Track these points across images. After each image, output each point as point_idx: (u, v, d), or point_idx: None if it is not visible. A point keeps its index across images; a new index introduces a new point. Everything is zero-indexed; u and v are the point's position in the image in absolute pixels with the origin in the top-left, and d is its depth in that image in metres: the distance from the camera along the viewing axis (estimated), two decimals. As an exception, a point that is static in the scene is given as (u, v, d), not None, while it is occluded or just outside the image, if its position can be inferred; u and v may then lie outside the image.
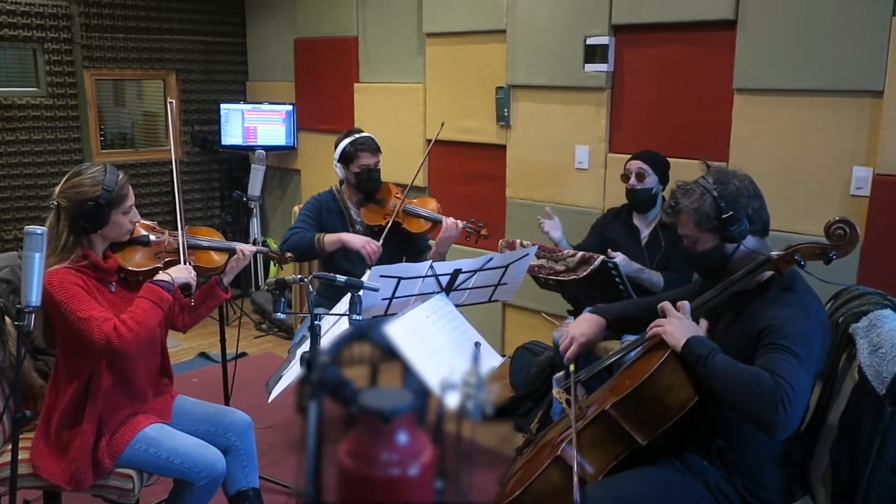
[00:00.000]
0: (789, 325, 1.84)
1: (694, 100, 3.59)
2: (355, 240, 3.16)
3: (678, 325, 1.95)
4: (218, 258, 2.65)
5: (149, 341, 2.32)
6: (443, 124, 3.72)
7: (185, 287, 2.40)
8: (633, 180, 3.28)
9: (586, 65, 3.84)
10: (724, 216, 1.94)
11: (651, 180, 3.26)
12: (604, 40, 3.77)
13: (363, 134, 3.34)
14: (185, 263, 2.45)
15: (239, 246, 2.66)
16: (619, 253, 3.14)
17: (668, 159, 3.42)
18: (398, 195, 3.37)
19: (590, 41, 3.81)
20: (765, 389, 1.75)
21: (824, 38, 3.11)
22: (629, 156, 3.39)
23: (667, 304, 2.01)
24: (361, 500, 0.80)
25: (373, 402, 0.79)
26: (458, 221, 3.23)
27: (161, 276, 2.32)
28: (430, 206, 3.36)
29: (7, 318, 2.40)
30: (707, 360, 1.85)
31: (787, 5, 3.20)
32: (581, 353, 2.30)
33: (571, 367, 2.22)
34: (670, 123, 3.68)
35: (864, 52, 3.02)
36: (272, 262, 2.91)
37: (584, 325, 2.29)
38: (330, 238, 3.18)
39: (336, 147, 3.33)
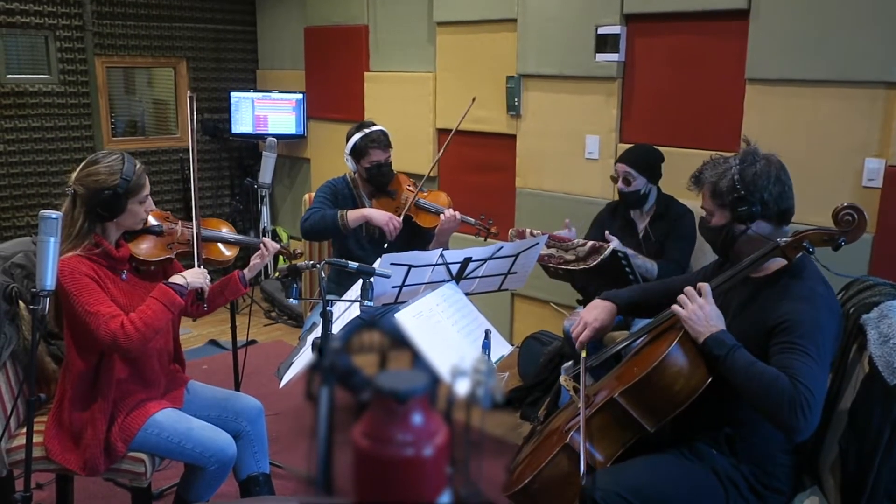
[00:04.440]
0: (803, 321, 1.83)
1: (705, 90, 3.57)
2: (379, 216, 3.19)
3: (700, 317, 1.93)
4: (228, 252, 2.67)
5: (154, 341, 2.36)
6: (474, 99, 3.71)
7: (198, 292, 2.40)
8: (620, 184, 3.29)
9: (597, 54, 3.83)
10: (735, 195, 1.95)
11: (638, 183, 3.27)
12: (615, 30, 3.76)
13: (374, 128, 3.31)
14: (199, 265, 2.45)
15: (265, 241, 2.66)
16: (613, 237, 3.15)
17: (679, 150, 3.41)
18: (410, 188, 3.37)
19: (601, 30, 3.80)
20: (784, 394, 1.75)
21: (837, 29, 3.09)
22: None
23: (689, 290, 1.99)
24: (376, 479, 0.81)
25: (389, 383, 0.80)
26: (456, 213, 3.23)
27: (176, 278, 2.32)
28: (440, 201, 3.37)
29: (21, 303, 2.43)
30: (726, 360, 1.85)
31: (800, -5, 3.18)
32: (590, 341, 2.30)
33: (583, 354, 2.21)
34: (681, 113, 3.67)
35: (878, 43, 3.00)
36: (281, 256, 2.94)
37: (596, 311, 2.28)
38: (354, 214, 3.20)
39: (347, 140, 3.33)
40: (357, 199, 3.39)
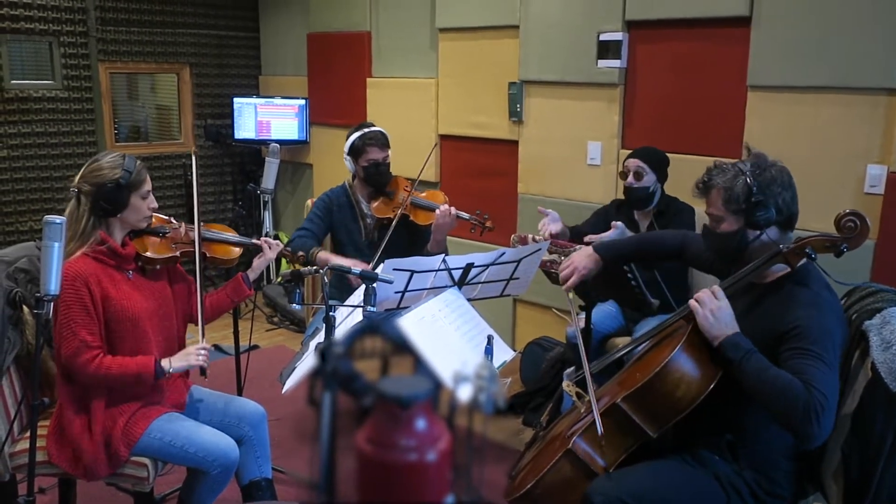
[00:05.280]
0: (813, 327, 1.84)
1: (707, 96, 3.58)
2: (342, 263, 3.12)
3: (718, 319, 1.93)
4: (234, 250, 2.69)
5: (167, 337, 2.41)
6: (436, 145, 3.71)
7: (201, 368, 2.35)
8: (630, 178, 3.29)
9: (599, 61, 3.84)
10: (753, 200, 1.94)
11: (649, 179, 3.27)
12: (617, 36, 3.76)
13: (373, 128, 3.36)
14: (202, 339, 2.39)
15: (265, 241, 2.69)
16: (619, 222, 3.15)
17: (681, 156, 3.41)
18: (407, 188, 3.39)
19: (603, 37, 3.81)
20: (798, 400, 1.76)
21: (839, 35, 3.10)
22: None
23: (706, 291, 1.97)
24: (379, 484, 0.82)
25: (392, 389, 0.81)
26: (452, 208, 3.21)
27: (164, 362, 2.29)
28: (437, 199, 3.37)
29: (25, 308, 2.43)
30: (741, 364, 1.86)
31: (801, 2, 3.19)
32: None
33: (571, 295, 2.40)
34: (683, 120, 3.67)
35: (879, 49, 3.01)
36: (284, 259, 2.95)
37: (587, 260, 2.44)
38: (321, 256, 3.18)
39: (346, 140, 3.36)
40: (355, 205, 3.41)
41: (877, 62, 3.02)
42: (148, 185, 2.36)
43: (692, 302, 1.99)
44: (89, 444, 2.25)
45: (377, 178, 3.33)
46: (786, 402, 1.77)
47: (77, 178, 2.30)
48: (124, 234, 2.37)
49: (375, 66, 5.09)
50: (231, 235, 2.74)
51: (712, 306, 1.94)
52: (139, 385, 2.28)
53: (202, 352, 2.34)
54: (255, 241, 2.73)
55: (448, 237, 3.36)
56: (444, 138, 4.71)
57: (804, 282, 1.95)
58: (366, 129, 3.33)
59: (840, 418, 2.05)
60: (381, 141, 3.32)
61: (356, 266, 3.10)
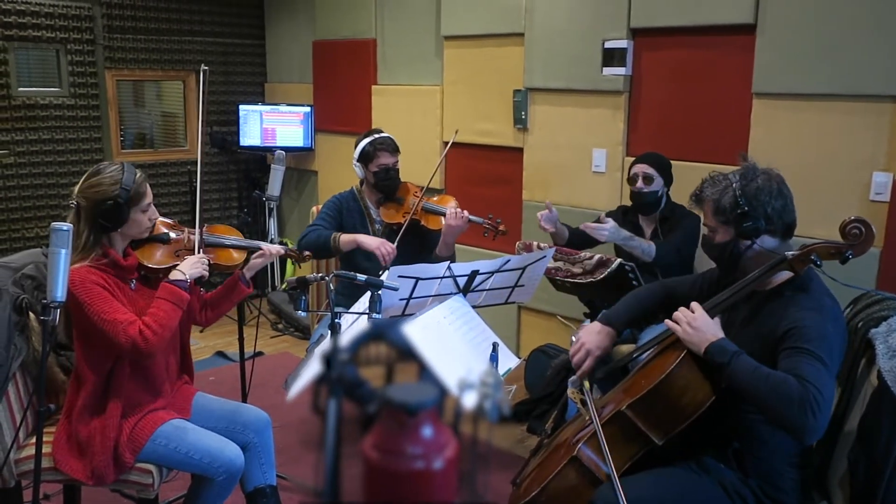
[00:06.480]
0: (811, 328, 1.84)
1: (712, 104, 3.58)
2: (370, 241, 3.19)
3: (696, 331, 1.94)
4: (237, 255, 2.66)
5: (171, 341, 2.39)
6: (456, 132, 3.77)
7: (198, 279, 2.41)
8: (640, 183, 3.29)
9: (604, 68, 3.85)
10: (739, 212, 1.95)
11: (657, 183, 3.28)
12: (622, 44, 3.77)
13: (383, 134, 3.38)
14: (198, 251, 2.46)
15: (265, 246, 2.67)
16: (609, 219, 3.16)
17: (686, 163, 3.41)
18: (417, 194, 3.40)
19: (608, 45, 3.81)
20: (793, 394, 1.74)
21: (844, 43, 3.10)
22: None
23: (682, 309, 2.01)
24: (387, 492, 0.82)
25: (399, 396, 0.81)
26: (464, 212, 3.22)
27: (175, 274, 2.33)
28: (448, 204, 3.38)
29: (31, 314, 2.44)
30: (729, 366, 1.85)
31: (806, 10, 3.19)
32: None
33: (586, 385, 2.16)
34: (688, 127, 3.68)
35: (885, 57, 3.01)
36: (290, 261, 2.92)
37: (599, 336, 2.24)
38: (346, 238, 3.21)
39: (356, 147, 3.37)
40: (364, 210, 3.41)
41: (882, 69, 3.02)
42: (148, 198, 2.32)
43: (668, 322, 2.00)
44: (96, 449, 2.25)
45: (387, 184, 3.35)
46: (779, 397, 1.75)
47: (76, 189, 2.27)
48: (125, 244, 2.35)
49: (381, 73, 5.11)
50: (238, 239, 2.71)
51: (689, 319, 1.95)
52: (185, 309, 2.33)
53: (205, 260, 2.43)
54: (258, 243, 2.72)
55: (455, 244, 3.36)
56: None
57: (805, 288, 1.95)
58: (376, 136, 3.37)
59: (846, 426, 2.04)
60: (392, 146, 3.34)
61: (372, 243, 3.14)
